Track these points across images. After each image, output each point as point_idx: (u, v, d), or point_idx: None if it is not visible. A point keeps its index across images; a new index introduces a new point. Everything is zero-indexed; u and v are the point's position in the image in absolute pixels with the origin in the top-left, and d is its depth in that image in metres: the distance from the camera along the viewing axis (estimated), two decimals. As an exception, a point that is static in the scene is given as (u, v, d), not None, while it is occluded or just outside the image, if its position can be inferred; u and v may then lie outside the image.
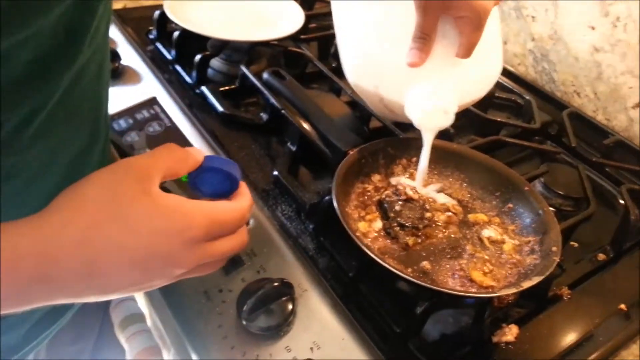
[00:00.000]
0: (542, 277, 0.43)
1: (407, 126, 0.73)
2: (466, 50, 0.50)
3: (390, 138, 0.58)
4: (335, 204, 0.48)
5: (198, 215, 0.35)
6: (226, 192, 0.40)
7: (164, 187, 0.36)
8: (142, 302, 0.69)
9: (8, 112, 0.35)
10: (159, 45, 0.82)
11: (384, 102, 0.55)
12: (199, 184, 0.39)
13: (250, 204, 0.40)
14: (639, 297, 0.56)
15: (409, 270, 0.47)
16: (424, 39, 0.50)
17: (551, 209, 0.52)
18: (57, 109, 0.39)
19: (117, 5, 0.92)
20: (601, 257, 0.60)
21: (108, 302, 0.71)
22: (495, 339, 0.49)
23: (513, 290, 0.43)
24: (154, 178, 0.35)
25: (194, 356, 0.49)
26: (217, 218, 0.36)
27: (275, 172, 0.62)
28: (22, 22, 0.32)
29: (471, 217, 0.53)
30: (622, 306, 0.54)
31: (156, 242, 0.33)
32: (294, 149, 0.65)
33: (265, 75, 0.66)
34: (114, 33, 0.84)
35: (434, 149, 0.58)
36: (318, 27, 0.91)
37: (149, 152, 0.37)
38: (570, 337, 0.51)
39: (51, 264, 0.30)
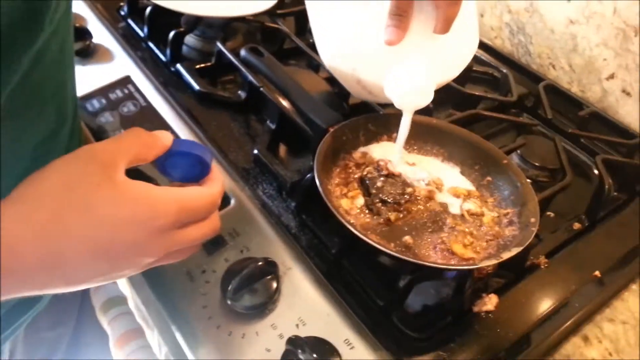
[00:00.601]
0: (521, 248, 0.45)
1: (387, 103, 0.73)
2: (444, 25, 0.50)
3: (371, 114, 0.58)
4: (317, 181, 0.48)
5: (166, 203, 0.34)
6: (196, 176, 0.39)
7: (137, 171, 0.35)
8: (123, 285, 0.68)
9: None
10: (130, 21, 0.80)
11: (362, 84, 0.54)
12: (168, 168, 0.38)
13: (221, 190, 0.39)
14: (613, 264, 0.58)
15: (392, 245, 0.48)
16: (401, 15, 0.49)
17: (528, 180, 0.53)
18: (17, 91, 0.37)
19: (85, -19, 0.88)
20: (577, 226, 0.62)
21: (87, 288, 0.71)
22: (475, 309, 0.50)
23: (493, 261, 0.44)
24: (119, 164, 0.33)
25: (179, 337, 0.49)
26: (187, 205, 0.35)
27: (255, 151, 0.61)
28: None
29: (451, 190, 0.54)
30: (597, 273, 0.56)
31: (121, 231, 0.32)
32: (273, 126, 0.64)
33: (242, 52, 0.65)
34: (84, 10, 0.81)
35: (414, 124, 0.58)
36: (294, 2, 0.90)
37: (113, 137, 0.36)
38: (547, 304, 0.52)
39: (13, 257, 0.29)
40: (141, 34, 0.77)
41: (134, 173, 0.35)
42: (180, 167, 0.38)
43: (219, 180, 0.39)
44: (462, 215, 0.52)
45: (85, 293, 0.74)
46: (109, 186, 0.32)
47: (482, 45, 0.91)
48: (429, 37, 0.50)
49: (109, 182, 0.32)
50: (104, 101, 0.66)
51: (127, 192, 0.33)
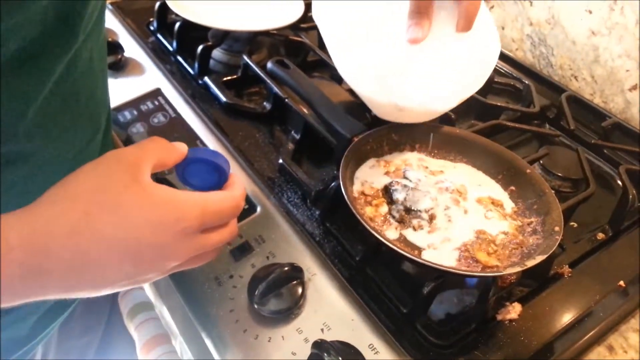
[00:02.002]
0: (545, 256, 0.45)
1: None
2: (466, 22, 0.49)
3: (394, 124, 0.59)
4: (342, 189, 0.49)
5: (191, 206, 0.34)
6: (215, 183, 0.40)
7: (162, 179, 0.36)
8: (149, 291, 0.70)
9: None
10: (159, 36, 0.82)
11: (399, 107, 0.55)
12: (187, 176, 0.39)
13: (243, 193, 0.39)
14: (637, 273, 0.58)
15: (416, 252, 0.48)
16: (421, 12, 0.49)
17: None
18: (51, 98, 0.38)
19: (115, -3, 0.92)
20: (600, 236, 0.62)
21: (115, 294, 0.72)
22: (499, 317, 0.50)
23: (518, 269, 0.45)
24: (144, 167, 0.34)
25: (207, 341, 0.50)
26: (211, 208, 0.35)
27: (280, 160, 0.63)
28: (9, 9, 0.31)
29: (475, 199, 0.54)
30: (621, 283, 0.56)
31: (148, 233, 0.32)
32: (297, 137, 0.66)
33: (269, 65, 0.67)
34: (115, 25, 0.85)
35: (438, 133, 0.59)
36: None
37: (136, 144, 0.37)
38: (571, 313, 0.52)
39: (42, 254, 0.30)
40: (170, 48, 0.80)
41: (159, 182, 0.35)
42: (199, 175, 0.39)
43: (239, 184, 0.40)
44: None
45: (115, 301, 0.75)
46: (136, 188, 0.33)
47: (504, 57, 0.92)
48: (452, 39, 0.51)
49: (136, 185, 0.33)
50: (135, 112, 0.69)
51: (154, 195, 0.33)
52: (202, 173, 0.39)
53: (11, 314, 0.48)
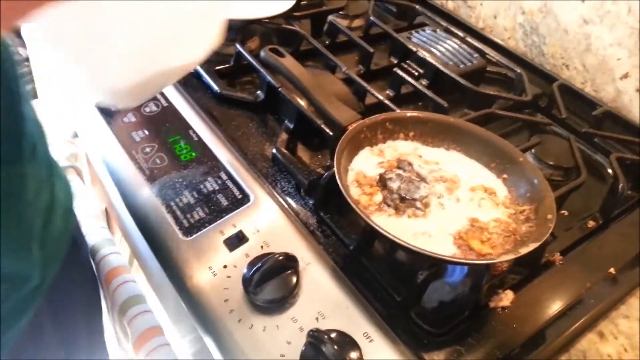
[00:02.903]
0: (538, 244, 0.45)
1: (403, 102, 0.74)
2: None
3: (389, 113, 0.59)
4: (337, 177, 0.49)
5: None
6: None
7: None
8: (142, 284, 0.70)
9: None
10: (150, 24, 0.81)
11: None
12: None
13: None
14: (627, 261, 0.59)
15: (410, 240, 0.49)
16: None
17: (543, 178, 0.54)
18: None
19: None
20: (591, 224, 0.62)
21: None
22: (492, 305, 0.51)
23: (512, 256, 0.45)
24: None
25: (201, 331, 0.50)
26: None
27: (274, 150, 0.62)
28: None
29: (468, 187, 0.55)
30: (612, 270, 0.57)
31: None
32: (291, 126, 0.66)
33: (262, 53, 0.66)
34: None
35: (431, 122, 0.59)
36: (310, 5, 0.91)
37: None
38: (563, 301, 0.53)
39: None
40: (161, 36, 0.79)
41: None
42: None
43: None
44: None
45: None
46: None
47: (496, 46, 0.92)
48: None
49: None
50: (126, 101, 0.68)
51: None
52: None
53: None
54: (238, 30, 0.79)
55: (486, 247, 0.48)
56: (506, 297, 0.51)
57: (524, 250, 0.45)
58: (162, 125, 0.66)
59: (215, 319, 0.50)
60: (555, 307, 0.52)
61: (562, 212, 0.63)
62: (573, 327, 0.51)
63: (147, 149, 0.63)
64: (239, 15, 0.77)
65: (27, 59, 1.39)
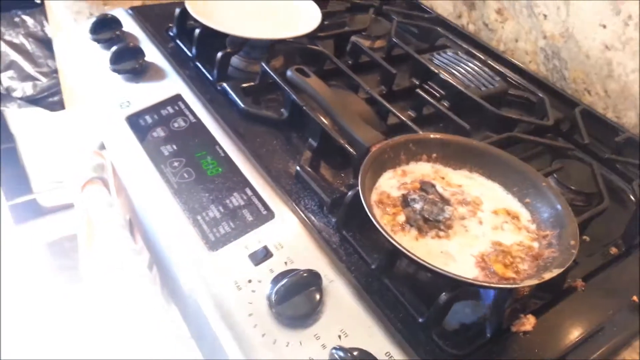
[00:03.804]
0: (562, 269, 0.45)
1: (424, 123, 0.75)
2: None
3: (411, 134, 0.60)
4: (362, 197, 0.50)
5: None
6: None
7: None
8: (162, 294, 0.70)
9: None
10: (179, 42, 0.84)
11: None
12: None
13: None
14: (651, 289, 0.58)
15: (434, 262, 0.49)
16: None
17: (566, 203, 0.54)
18: None
19: (135, 3, 0.93)
20: (613, 250, 0.62)
21: None
22: (514, 329, 0.51)
23: (535, 281, 0.45)
24: None
25: (224, 344, 0.51)
26: None
27: (298, 167, 0.64)
28: None
29: (491, 210, 0.55)
30: (635, 298, 0.56)
31: None
32: (315, 144, 0.67)
33: (289, 73, 0.68)
34: (135, 30, 0.86)
35: (454, 144, 0.60)
36: (333, 25, 0.93)
37: None
38: (585, 327, 0.53)
39: None
40: (189, 54, 0.81)
41: None
42: None
43: None
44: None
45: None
46: None
47: (517, 69, 0.93)
48: None
49: None
50: (155, 117, 0.70)
51: None
52: None
53: None
54: (263, 49, 0.81)
55: (509, 270, 0.48)
56: (528, 322, 0.51)
57: (548, 276, 0.45)
58: (189, 140, 0.67)
59: (239, 333, 0.50)
60: (577, 333, 0.52)
61: (584, 237, 0.63)
62: (595, 354, 0.51)
63: (175, 163, 0.65)
64: (266, 36, 0.79)
65: (56, 71, 1.44)
